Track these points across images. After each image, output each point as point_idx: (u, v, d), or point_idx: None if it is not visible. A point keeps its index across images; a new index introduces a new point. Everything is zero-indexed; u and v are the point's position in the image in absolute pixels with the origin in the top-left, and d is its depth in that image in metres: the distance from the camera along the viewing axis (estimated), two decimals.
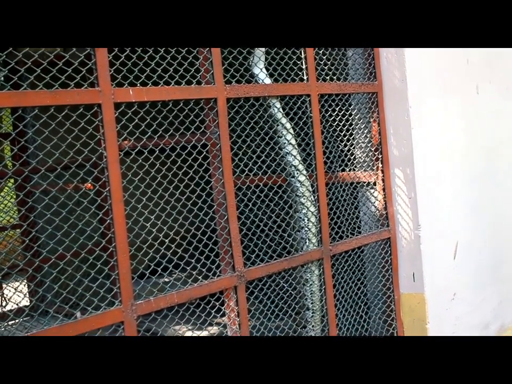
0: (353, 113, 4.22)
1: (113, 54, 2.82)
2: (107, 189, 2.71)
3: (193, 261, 3.22)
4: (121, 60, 2.91)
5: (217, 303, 3.26)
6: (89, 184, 5.01)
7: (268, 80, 3.81)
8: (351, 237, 4.04)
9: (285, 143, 3.87)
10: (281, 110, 3.81)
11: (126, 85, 2.84)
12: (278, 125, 3.82)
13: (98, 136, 2.72)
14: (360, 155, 4.27)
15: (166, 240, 3.17)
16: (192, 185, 3.30)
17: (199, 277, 3.17)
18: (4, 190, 6.76)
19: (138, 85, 2.89)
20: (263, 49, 3.84)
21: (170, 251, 3.17)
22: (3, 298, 6.12)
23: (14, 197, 6.48)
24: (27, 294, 6.28)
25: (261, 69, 3.79)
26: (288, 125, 3.85)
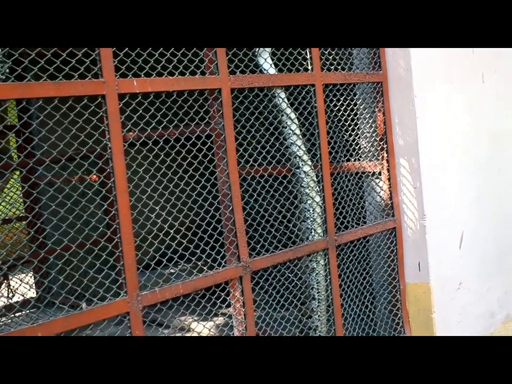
0: (358, 103, 4.20)
1: None
2: (112, 180, 2.72)
3: (198, 251, 3.23)
4: (125, 50, 2.91)
5: (222, 294, 3.26)
6: (94, 176, 5.02)
7: (272, 71, 3.80)
8: (356, 227, 4.04)
9: (289, 133, 3.86)
10: (286, 100, 3.80)
11: (130, 75, 2.84)
12: (282, 115, 3.81)
13: (103, 127, 2.72)
14: (365, 145, 4.26)
15: (171, 231, 3.16)
16: (197, 176, 3.30)
17: (205, 268, 3.17)
18: (10, 182, 6.78)
19: (142, 75, 2.88)
20: None
21: (176, 242, 3.17)
22: (9, 290, 6.14)
23: (20, 189, 6.50)
24: (33, 285, 6.30)
25: (265, 59, 3.78)
26: (292, 115, 3.84)
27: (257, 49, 3.80)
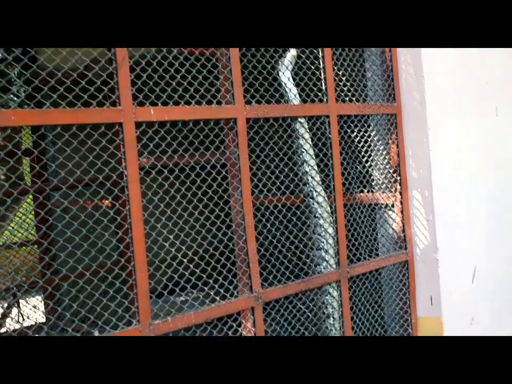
0: (372, 134, 4.21)
1: (135, 73, 2.84)
2: (127, 207, 2.72)
3: (211, 281, 3.22)
4: (143, 79, 2.93)
5: (234, 324, 3.24)
6: (107, 202, 5.03)
7: (294, 90, 3.82)
8: (368, 259, 4.02)
9: (303, 163, 3.86)
10: (305, 124, 3.80)
11: (147, 104, 2.86)
12: (299, 144, 3.81)
13: (119, 155, 2.73)
14: (378, 176, 4.26)
15: (185, 260, 3.16)
16: (211, 205, 3.30)
17: (217, 297, 3.16)
18: (23, 206, 6.80)
19: (159, 104, 2.90)
20: (293, 55, 3.86)
21: (189, 271, 3.17)
22: (20, 315, 6.12)
23: (33, 213, 6.52)
24: (44, 311, 6.28)
25: (289, 78, 3.80)
26: (307, 145, 3.85)
27: (280, 66, 3.83)
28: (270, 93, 3.68)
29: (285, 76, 3.84)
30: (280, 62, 3.87)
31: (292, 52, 3.87)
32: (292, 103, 3.82)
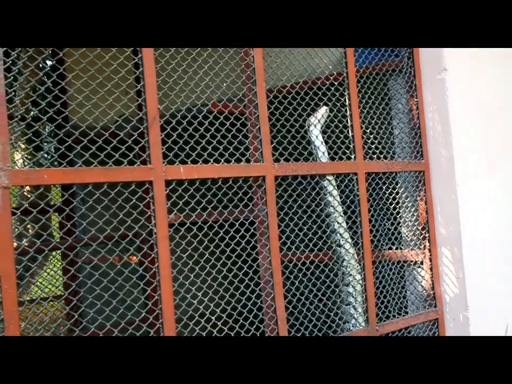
0: (400, 191, 4.21)
1: (165, 132, 2.89)
2: (156, 265, 2.73)
3: None
4: (173, 138, 2.98)
5: None
6: (134, 257, 5.05)
7: (323, 148, 3.85)
8: (397, 317, 3.97)
9: (332, 220, 3.86)
10: (333, 182, 3.81)
11: (177, 162, 2.89)
12: (328, 201, 3.82)
13: (149, 213, 2.75)
14: (407, 233, 4.24)
15: (212, 317, 3.15)
16: (239, 262, 3.30)
17: None
18: (50, 260, 6.86)
19: (189, 162, 2.94)
20: (324, 111, 3.90)
21: (217, 328, 3.15)
22: None
23: (60, 268, 6.57)
24: None
25: (317, 136, 3.84)
26: (335, 202, 3.86)
27: (308, 127, 3.87)
28: (298, 151, 3.71)
29: (314, 134, 3.87)
30: (310, 120, 3.91)
31: (323, 109, 3.91)
32: (320, 161, 3.84)
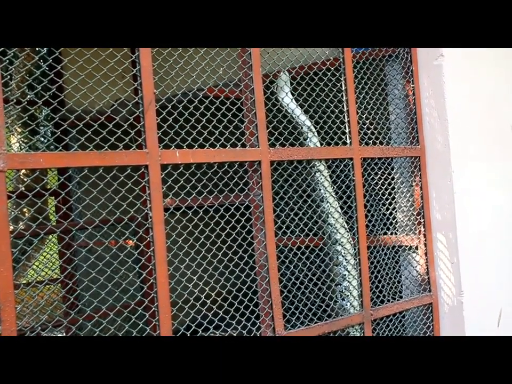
0: (395, 176, 4.22)
1: (161, 116, 2.89)
2: (151, 248, 2.75)
3: (233, 322, 3.22)
4: (169, 122, 2.98)
5: None
6: (132, 242, 5.07)
7: (298, 111, 3.86)
8: (392, 301, 4.00)
9: (327, 206, 3.88)
10: (324, 172, 3.82)
11: (173, 146, 2.90)
12: (320, 188, 3.83)
13: (145, 197, 2.76)
14: (402, 219, 4.25)
15: (207, 301, 3.17)
16: (234, 246, 3.32)
17: None
18: (46, 244, 6.88)
19: (184, 147, 2.94)
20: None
21: (212, 312, 3.17)
22: None
23: (56, 251, 6.58)
24: None
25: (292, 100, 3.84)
26: (330, 188, 3.87)
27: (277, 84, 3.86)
28: (294, 135, 3.72)
29: (288, 98, 3.86)
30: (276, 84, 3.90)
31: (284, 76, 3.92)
32: (307, 136, 3.85)
